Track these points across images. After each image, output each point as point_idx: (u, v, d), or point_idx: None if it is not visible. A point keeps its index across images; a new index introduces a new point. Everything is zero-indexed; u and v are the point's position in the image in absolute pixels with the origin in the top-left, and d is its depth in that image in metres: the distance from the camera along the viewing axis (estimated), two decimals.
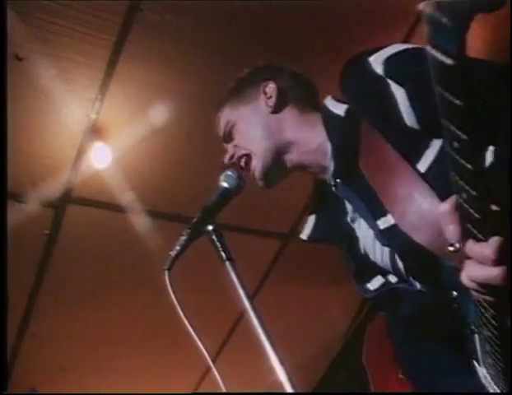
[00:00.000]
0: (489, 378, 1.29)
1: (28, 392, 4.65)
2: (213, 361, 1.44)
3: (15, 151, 3.26)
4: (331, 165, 1.58)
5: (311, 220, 1.71)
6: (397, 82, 1.39)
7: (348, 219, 1.61)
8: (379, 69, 1.42)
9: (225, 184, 1.59)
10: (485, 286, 0.94)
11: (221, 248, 1.46)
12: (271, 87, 1.71)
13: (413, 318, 1.51)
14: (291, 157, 1.67)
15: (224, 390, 1.41)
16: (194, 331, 1.41)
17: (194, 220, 1.52)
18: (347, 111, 1.52)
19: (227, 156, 1.75)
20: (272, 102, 1.69)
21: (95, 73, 3.24)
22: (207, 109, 3.31)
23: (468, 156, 0.78)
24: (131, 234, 3.79)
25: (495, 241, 0.87)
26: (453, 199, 0.89)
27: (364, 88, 1.48)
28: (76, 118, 3.37)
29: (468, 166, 0.78)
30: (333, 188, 1.62)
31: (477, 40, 3.77)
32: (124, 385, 4.76)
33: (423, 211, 1.32)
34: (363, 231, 1.56)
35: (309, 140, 1.64)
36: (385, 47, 1.48)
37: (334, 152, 1.55)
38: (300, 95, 1.73)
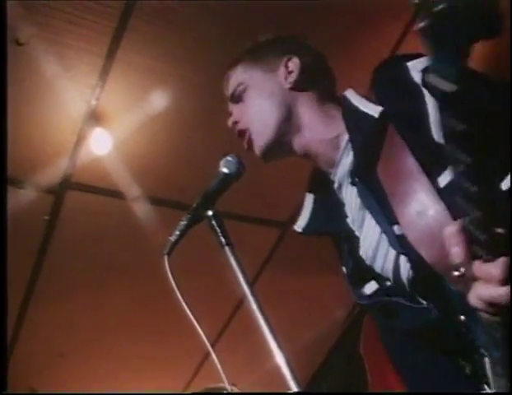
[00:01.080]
0: None
1: (28, 392, 4.67)
2: (212, 347, 1.44)
3: (14, 137, 3.25)
4: (344, 161, 1.54)
5: (307, 208, 1.66)
6: (433, 94, 1.35)
7: (349, 220, 1.56)
8: (416, 76, 1.37)
9: (225, 170, 1.58)
10: (493, 305, 0.95)
11: (220, 234, 1.46)
12: (294, 62, 1.63)
13: (413, 331, 1.48)
14: (299, 140, 1.61)
15: (223, 375, 1.41)
16: (193, 316, 1.41)
17: (194, 205, 1.51)
18: (382, 113, 1.45)
19: (231, 120, 1.68)
20: (292, 78, 1.62)
21: (95, 59, 3.23)
22: (208, 95, 3.35)
23: (473, 178, 0.80)
24: (130, 220, 3.79)
25: (502, 261, 0.89)
26: (459, 221, 0.90)
27: (397, 92, 1.44)
28: (77, 104, 3.36)
29: (473, 188, 0.80)
30: (335, 184, 1.59)
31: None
32: (123, 371, 4.78)
33: (433, 228, 1.28)
34: (366, 235, 1.52)
35: (324, 130, 1.59)
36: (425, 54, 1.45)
37: (357, 151, 1.49)
38: (320, 81, 1.66)
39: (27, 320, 4.24)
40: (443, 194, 1.30)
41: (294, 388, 1.24)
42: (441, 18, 0.69)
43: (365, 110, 1.49)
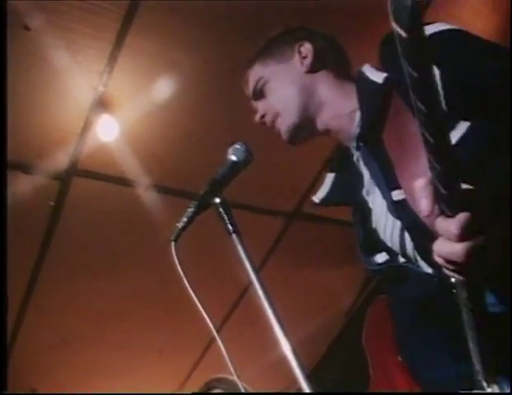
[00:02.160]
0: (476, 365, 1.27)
1: (28, 392, 4.69)
2: (217, 332, 1.45)
3: (21, 122, 3.26)
4: (356, 131, 1.59)
5: (327, 183, 1.73)
6: (435, 62, 1.37)
7: (364, 191, 1.61)
8: None
9: (233, 158, 1.59)
10: (450, 262, 0.95)
11: (227, 221, 1.46)
12: (307, 47, 1.71)
13: (417, 302, 1.49)
14: (321, 119, 1.68)
15: (228, 362, 1.41)
16: (199, 302, 1.41)
17: (202, 192, 1.52)
18: (386, 79, 1.50)
19: (258, 115, 1.75)
20: (307, 62, 1.69)
21: (103, 45, 3.22)
22: (217, 85, 3.35)
23: (431, 130, 0.79)
24: (136, 207, 3.79)
25: (460, 217, 0.88)
26: (428, 175, 0.90)
27: (400, 62, 1.45)
28: (84, 91, 3.36)
29: (431, 140, 0.80)
30: (354, 156, 1.63)
31: (479, 19, 3.75)
32: (127, 358, 4.80)
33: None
34: (376, 206, 1.55)
35: (342, 105, 1.64)
36: (429, 24, 1.45)
37: (363, 117, 1.55)
38: (334, 60, 1.73)
39: (32, 305, 4.25)
40: None
41: (299, 376, 1.23)
42: None
43: (372, 78, 1.54)
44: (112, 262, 4.18)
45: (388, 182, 1.44)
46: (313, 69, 1.69)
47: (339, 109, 1.65)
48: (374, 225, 1.58)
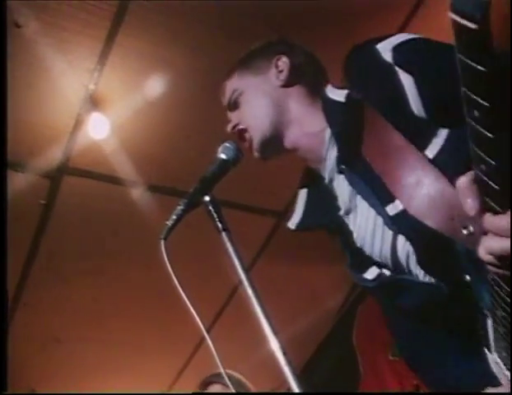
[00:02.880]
0: (501, 364, 1.27)
1: (28, 392, 4.68)
2: (207, 332, 1.45)
3: (11, 120, 3.24)
4: (330, 154, 1.57)
5: (300, 207, 1.71)
6: (406, 70, 1.38)
7: (341, 212, 1.59)
8: (387, 56, 1.41)
9: (223, 156, 1.59)
10: (502, 259, 0.94)
11: (217, 219, 1.46)
12: (284, 61, 1.70)
13: (418, 310, 1.49)
14: (290, 136, 1.66)
15: (217, 360, 1.41)
16: (189, 301, 1.41)
17: (191, 190, 1.52)
18: (347, 96, 1.50)
19: (230, 125, 1.75)
20: (282, 76, 1.68)
21: (94, 43, 3.21)
22: (207, 82, 3.34)
23: (489, 125, 0.77)
24: (126, 205, 3.79)
25: None
26: (470, 173, 0.89)
27: (371, 75, 1.47)
28: (75, 89, 3.35)
29: (489, 135, 0.77)
30: (326, 179, 1.62)
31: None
32: (117, 357, 4.79)
33: (433, 195, 1.30)
34: (360, 223, 1.54)
35: (312, 123, 1.63)
36: (393, 35, 1.47)
37: (336, 139, 1.53)
38: (310, 76, 1.72)
39: (22, 304, 4.24)
40: (434, 164, 1.32)
41: (288, 375, 1.24)
42: None
43: (334, 98, 1.55)
44: (102, 260, 4.17)
45: (380, 197, 1.42)
46: (287, 84, 1.68)
47: (307, 127, 1.64)
48: (358, 244, 1.56)
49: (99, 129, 3.51)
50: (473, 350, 1.36)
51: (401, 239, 1.43)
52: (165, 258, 1.41)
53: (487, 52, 0.72)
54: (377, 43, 1.46)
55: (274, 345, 1.27)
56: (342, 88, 1.55)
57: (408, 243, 1.42)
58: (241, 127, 1.71)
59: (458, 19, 0.70)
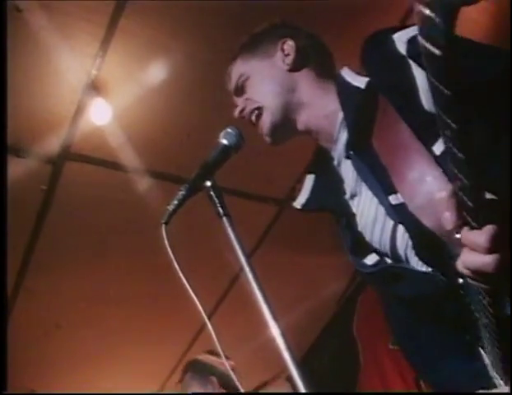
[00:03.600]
0: (490, 366, 1.28)
1: (28, 392, 4.70)
2: (208, 318, 1.45)
3: (13, 106, 3.23)
4: (340, 137, 1.58)
5: (307, 187, 1.71)
6: (419, 64, 1.37)
7: (347, 195, 1.60)
8: (401, 48, 1.40)
9: (224, 141, 1.59)
10: (478, 274, 0.95)
11: (218, 204, 1.47)
12: (289, 45, 1.70)
13: (415, 300, 1.49)
14: (301, 118, 1.67)
15: (218, 347, 1.41)
16: (190, 285, 1.41)
17: (193, 175, 1.52)
18: (368, 84, 1.50)
19: (238, 109, 1.75)
20: (289, 60, 1.68)
21: (96, 29, 3.19)
22: (209, 68, 3.33)
23: (459, 145, 0.80)
24: (128, 192, 3.78)
25: (488, 229, 0.89)
26: (450, 187, 0.91)
27: (385, 65, 1.46)
28: (77, 74, 3.33)
29: (460, 155, 0.80)
30: (335, 160, 1.63)
31: (483, 13, 3.74)
32: (118, 343, 4.80)
33: (433, 194, 1.29)
34: (363, 209, 1.55)
35: (321, 105, 1.64)
36: (410, 25, 1.45)
37: (349, 124, 1.53)
38: (316, 59, 1.72)
39: (23, 289, 4.25)
40: (439, 161, 1.32)
41: (289, 362, 1.23)
42: None
43: (354, 83, 1.55)
44: (103, 246, 4.18)
45: (383, 187, 1.43)
46: (295, 67, 1.68)
47: (319, 109, 1.64)
48: (359, 228, 1.57)
49: (101, 115, 3.50)
50: (469, 348, 1.36)
51: (400, 229, 1.44)
52: (166, 242, 1.42)
53: (454, 76, 0.75)
54: (393, 33, 1.44)
55: (275, 332, 1.27)
56: (362, 74, 1.55)
57: (407, 234, 1.42)
58: (251, 107, 1.71)
59: (425, 43, 0.74)
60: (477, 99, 1.28)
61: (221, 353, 1.44)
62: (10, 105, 3.13)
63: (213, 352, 2.90)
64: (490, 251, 0.91)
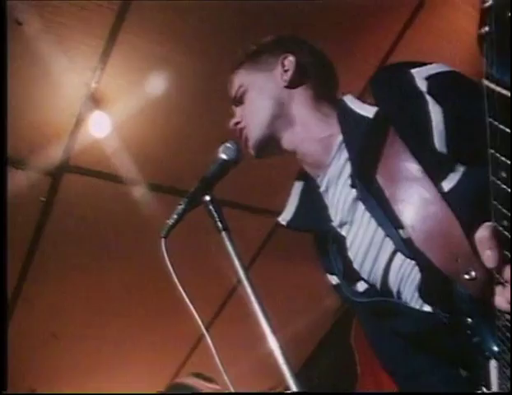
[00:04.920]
0: None
1: (28, 392, 4.68)
2: (206, 330, 1.45)
3: (12, 118, 3.24)
4: (335, 162, 1.55)
5: (292, 203, 1.69)
6: (438, 102, 1.36)
7: (335, 223, 1.57)
8: (421, 84, 1.39)
9: (223, 156, 1.59)
10: None
11: (217, 219, 1.47)
12: (290, 60, 1.66)
13: (411, 335, 1.45)
14: (290, 138, 1.64)
15: (216, 358, 1.42)
16: (188, 298, 1.42)
17: (192, 189, 1.53)
18: (376, 114, 1.46)
19: (233, 121, 1.73)
20: (287, 76, 1.65)
21: (96, 42, 3.21)
22: (209, 82, 3.35)
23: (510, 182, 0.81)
24: (127, 204, 3.79)
25: None
26: (489, 225, 0.91)
27: (401, 98, 1.45)
28: (76, 87, 3.35)
29: (508, 190, 0.81)
30: (321, 188, 1.60)
31: (472, 23, 3.77)
32: (116, 354, 4.79)
33: (440, 232, 1.28)
34: (355, 238, 1.52)
35: (315, 127, 1.61)
36: (430, 63, 1.46)
37: (355, 154, 1.49)
38: (317, 78, 1.69)
39: (21, 299, 4.24)
40: (447, 198, 1.30)
41: (287, 374, 1.24)
42: (505, 24, 0.71)
43: (361, 112, 1.51)
44: (102, 258, 4.18)
45: (391, 220, 1.39)
46: (292, 84, 1.65)
47: (313, 132, 1.61)
48: (349, 254, 1.54)
49: (100, 127, 3.52)
50: (463, 383, 1.34)
51: (396, 262, 1.42)
52: (166, 257, 1.42)
53: None
54: (412, 67, 1.44)
55: (273, 344, 1.28)
56: (366, 102, 1.53)
57: (404, 268, 1.40)
58: (241, 126, 1.70)
59: (492, 86, 0.74)
60: (470, 137, 1.29)
61: (219, 364, 1.44)
62: (9, 117, 3.14)
63: (199, 375, 2.88)
64: None
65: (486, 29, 0.73)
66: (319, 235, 1.67)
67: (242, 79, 1.72)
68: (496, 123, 0.77)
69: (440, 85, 1.39)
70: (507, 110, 0.75)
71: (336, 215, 1.56)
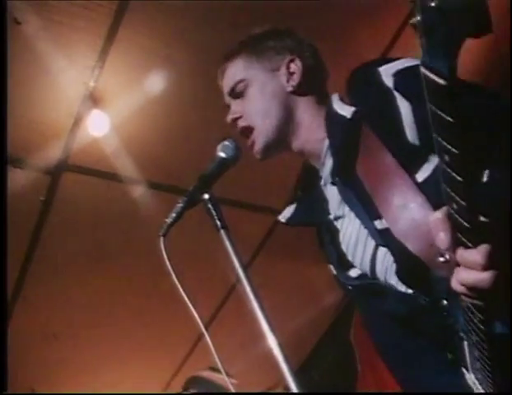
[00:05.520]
0: (477, 384, 1.30)
1: (28, 392, 4.69)
2: (205, 329, 1.46)
3: (11, 117, 3.25)
4: (327, 162, 1.60)
5: (291, 206, 1.72)
6: (405, 97, 1.40)
7: (331, 216, 1.60)
8: (388, 81, 1.43)
9: (222, 154, 1.59)
10: (474, 290, 1.00)
11: (216, 217, 1.47)
12: (297, 65, 1.66)
13: (398, 316, 1.50)
14: (296, 140, 1.66)
15: (215, 357, 1.42)
16: (187, 297, 1.42)
17: (191, 188, 1.53)
18: (354, 113, 1.50)
19: (231, 116, 1.70)
20: (294, 81, 1.65)
21: (94, 40, 3.22)
22: (208, 79, 3.32)
23: (458, 169, 0.85)
24: (126, 203, 3.80)
25: (483, 248, 0.94)
26: (444, 209, 0.95)
27: (370, 96, 1.49)
28: (75, 85, 3.35)
29: (458, 178, 0.85)
30: (322, 180, 1.64)
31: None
32: (115, 353, 4.80)
33: (416, 220, 1.34)
34: (345, 232, 1.56)
35: (318, 130, 1.63)
36: (396, 59, 1.49)
37: (334, 152, 1.55)
38: (319, 81, 1.71)
39: (21, 299, 4.25)
40: (422, 188, 1.36)
41: (286, 372, 1.25)
42: (433, 13, 0.74)
43: (341, 112, 1.55)
44: (101, 257, 4.18)
45: (368, 212, 1.45)
46: (298, 91, 1.66)
47: (315, 133, 1.63)
48: (342, 247, 1.58)
49: (99, 126, 3.52)
50: (451, 366, 1.37)
51: (381, 252, 1.46)
52: (164, 255, 1.42)
53: (455, 103, 0.79)
54: (379, 66, 1.47)
55: (272, 342, 1.28)
56: (349, 103, 1.56)
57: (387, 258, 1.44)
58: (245, 124, 1.67)
59: (428, 73, 0.77)
60: (474, 129, 1.32)
61: (219, 363, 1.44)
62: (8, 116, 3.15)
63: (215, 369, 2.89)
64: (486, 268, 0.95)
65: (418, 18, 0.75)
66: (318, 228, 1.71)
67: (241, 72, 1.69)
68: (434, 108, 0.81)
69: (406, 80, 1.42)
70: (442, 97, 0.79)
71: (331, 209, 1.61)
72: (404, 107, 1.40)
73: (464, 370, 1.33)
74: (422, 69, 0.78)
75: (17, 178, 3.51)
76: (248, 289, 1.34)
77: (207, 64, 3.34)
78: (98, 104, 3.43)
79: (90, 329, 4.57)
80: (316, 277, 4.79)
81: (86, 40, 3.21)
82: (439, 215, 0.96)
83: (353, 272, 1.57)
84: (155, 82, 3.38)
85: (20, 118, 3.38)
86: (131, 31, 3.22)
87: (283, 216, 1.71)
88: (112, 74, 3.36)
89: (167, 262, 1.42)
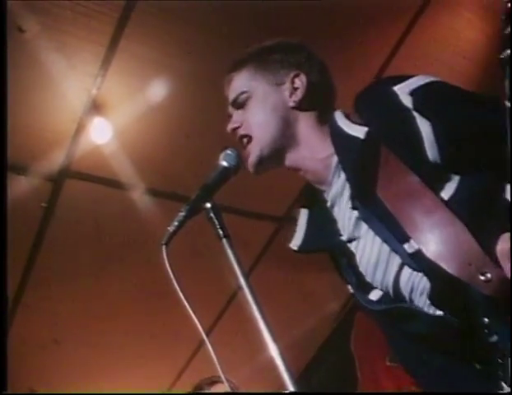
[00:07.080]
0: None
1: (28, 392, 4.68)
2: (206, 336, 1.46)
3: (14, 124, 3.25)
4: (336, 181, 1.57)
5: (301, 227, 1.68)
6: (424, 116, 1.40)
7: (344, 237, 1.58)
8: (406, 101, 1.42)
9: (224, 163, 1.59)
10: None
11: (218, 226, 1.47)
12: (301, 80, 1.63)
13: (428, 337, 1.46)
14: (291, 156, 1.63)
15: (216, 364, 1.42)
16: (189, 304, 1.42)
17: (193, 197, 1.52)
18: (367, 134, 1.47)
19: (231, 126, 1.68)
20: (297, 97, 1.63)
21: (97, 48, 3.23)
22: (209, 88, 3.35)
23: None
24: (128, 210, 3.80)
25: None
26: (506, 236, 0.98)
27: (388, 117, 1.47)
28: (77, 93, 3.37)
29: None
30: (328, 202, 1.61)
31: (478, 33, 3.79)
32: (116, 360, 4.79)
33: (451, 239, 1.32)
34: (363, 253, 1.54)
35: (317, 148, 1.60)
36: (409, 77, 1.48)
37: (351, 175, 1.51)
38: (323, 98, 1.68)
39: (22, 305, 4.24)
40: (449, 206, 1.34)
41: (287, 380, 1.25)
42: None
43: (351, 132, 1.52)
44: (103, 263, 4.18)
45: (396, 235, 1.41)
46: (300, 106, 1.63)
47: (316, 152, 1.60)
48: (360, 269, 1.56)
49: (101, 133, 3.53)
50: (489, 380, 1.34)
51: (405, 273, 1.44)
52: (167, 264, 1.42)
53: None
54: (394, 84, 1.46)
55: (273, 350, 1.29)
56: (357, 122, 1.53)
57: (413, 279, 1.42)
58: (244, 133, 1.66)
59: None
60: (462, 147, 1.36)
61: (220, 370, 1.45)
62: (11, 123, 3.15)
63: (218, 381, 2.88)
64: None
65: (508, 52, 0.74)
66: (331, 252, 1.68)
67: (245, 83, 1.68)
68: None
69: (424, 99, 1.42)
70: None
71: (344, 230, 1.58)
72: (424, 126, 1.39)
73: (504, 384, 1.30)
74: (508, 104, 0.80)
75: (20, 185, 3.52)
76: (249, 296, 1.34)
77: (207, 73, 3.36)
78: (100, 111, 3.44)
79: (91, 335, 4.56)
80: (317, 285, 4.79)
81: (89, 49, 3.23)
82: (505, 244, 0.98)
83: (374, 295, 1.54)
84: (157, 90, 3.39)
85: (23, 124, 3.39)
86: (133, 40, 3.24)
87: (294, 244, 1.67)
88: (114, 82, 3.37)
89: (169, 271, 1.41)
